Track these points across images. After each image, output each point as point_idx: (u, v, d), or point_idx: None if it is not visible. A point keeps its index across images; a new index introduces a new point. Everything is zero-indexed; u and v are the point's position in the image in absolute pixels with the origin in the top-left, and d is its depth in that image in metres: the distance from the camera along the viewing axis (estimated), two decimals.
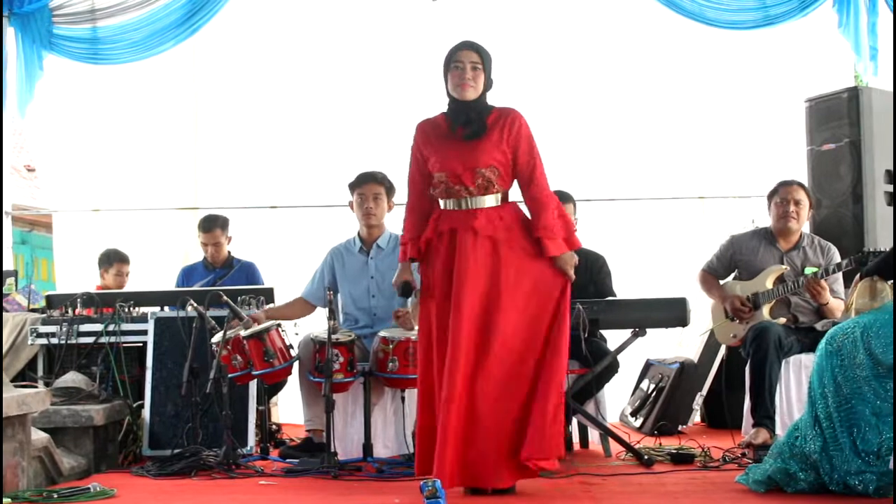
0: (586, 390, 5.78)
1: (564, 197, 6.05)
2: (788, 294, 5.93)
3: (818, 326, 5.83)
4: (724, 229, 7.25)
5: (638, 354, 6.93)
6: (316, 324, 5.92)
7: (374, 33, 8.21)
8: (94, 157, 8.40)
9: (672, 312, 5.65)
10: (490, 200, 4.69)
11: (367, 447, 5.48)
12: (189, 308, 5.85)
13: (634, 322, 5.66)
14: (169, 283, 7.58)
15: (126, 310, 6.31)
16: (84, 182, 8.43)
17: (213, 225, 7.38)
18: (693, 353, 7.16)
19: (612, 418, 6.55)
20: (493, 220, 4.66)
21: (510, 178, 4.74)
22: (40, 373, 6.35)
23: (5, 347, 6.48)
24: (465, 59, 4.69)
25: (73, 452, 5.48)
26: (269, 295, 6.51)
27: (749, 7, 7.82)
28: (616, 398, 6.90)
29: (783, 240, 6.11)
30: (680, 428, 6.83)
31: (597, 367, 5.65)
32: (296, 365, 5.69)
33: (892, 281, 4.68)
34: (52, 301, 6.69)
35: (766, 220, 6.32)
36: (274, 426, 6.63)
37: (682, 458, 5.44)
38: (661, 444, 5.98)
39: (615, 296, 6.15)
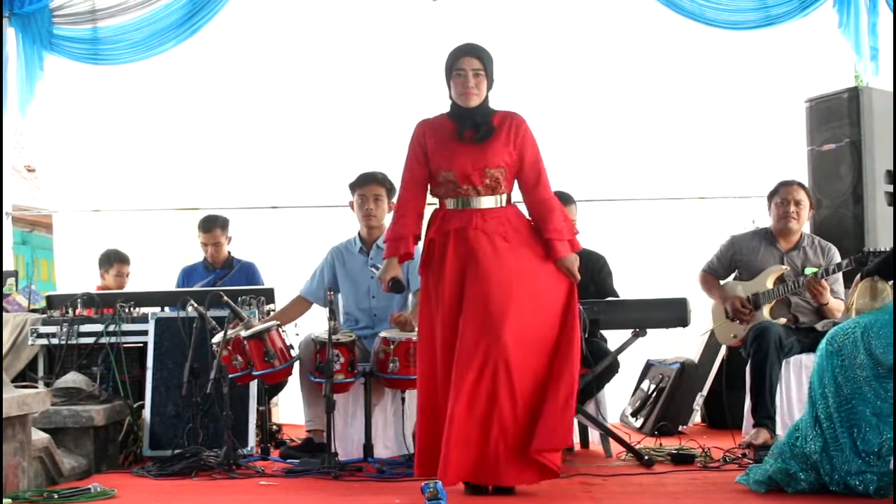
0: (587, 390, 5.77)
1: (566, 198, 6.06)
2: (789, 294, 5.94)
3: (818, 327, 5.84)
4: (725, 229, 7.25)
5: (638, 355, 6.93)
6: (316, 324, 5.92)
7: (374, 33, 8.21)
8: (95, 158, 8.40)
9: (672, 313, 5.66)
10: (497, 201, 4.73)
11: (368, 448, 5.48)
12: (189, 308, 5.85)
13: (635, 322, 5.66)
14: (169, 284, 7.58)
15: (126, 310, 6.31)
16: (84, 182, 8.43)
17: (212, 225, 7.39)
18: (693, 353, 7.16)
19: (612, 419, 6.55)
20: (501, 220, 4.70)
21: (513, 180, 4.77)
22: (41, 373, 6.35)
23: (6, 348, 6.49)
24: (467, 67, 4.70)
25: (74, 453, 5.48)
26: (269, 295, 6.50)
27: (749, 7, 7.82)
28: (616, 398, 6.90)
29: (783, 240, 6.11)
30: (680, 428, 6.83)
31: (597, 367, 5.65)
32: (296, 365, 5.69)
33: (892, 281, 4.68)
34: (52, 301, 6.69)
35: (766, 220, 6.32)
36: (274, 426, 6.63)
37: (682, 459, 5.44)
38: (661, 444, 5.99)
39: (617, 295, 6.14)
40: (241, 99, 8.39)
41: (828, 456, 4.29)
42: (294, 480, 5.15)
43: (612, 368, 5.90)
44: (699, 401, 6.84)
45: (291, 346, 5.67)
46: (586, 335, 5.37)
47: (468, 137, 4.71)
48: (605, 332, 5.99)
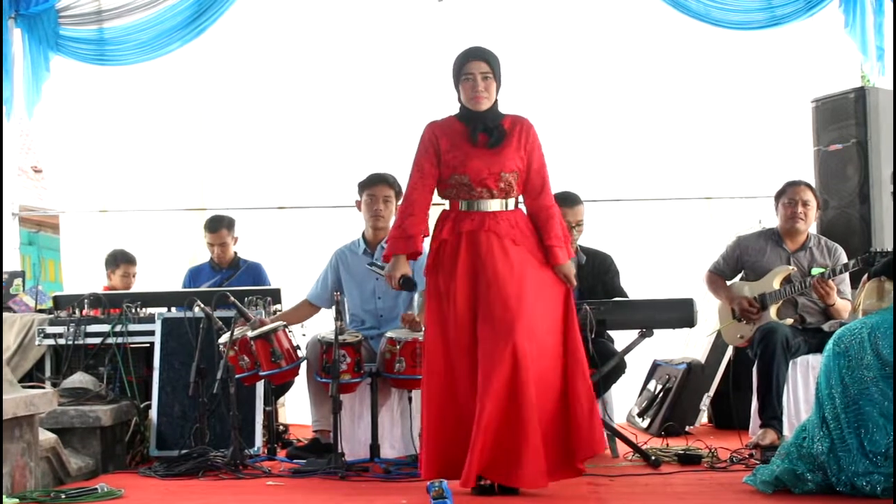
0: (594, 391, 5.77)
1: (574, 198, 6.07)
2: (795, 295, 5.93)
3: (825, 327, 5.83)
4: (731, 230, 7.26)
5: (645, 355, 6.93)
6: (323, 325, 5.92)
7: (380, 34, 8.20)
8: (101, 158, 8.41)
9: (679, 313, 5.66)
10: (508, 204, 4.77)
11: (374, 448, 5.48)
12: (196, 309, 5.86)
13: (641, 323, 5.67)
14: (176, 284, 7.58)
15: (133, 310, 6.33)
16: (91, 183, 8.44)
17: (218, 225, 7.39)
18: (700, 353, 7.15)
19: (619, 419, 6.54)
20: (511, 223, 4.74)
21: (523, 184, 4.80)
22: (48, 373, 6.36)
23: (13, 348, 6.50)
24: (475, 70, 4.72)
25: (81, 453, 5.49)
26: (275, 296, 6.50)
27: (755, 7, 7.81)
28: (623, 399, 6.89)
29: (790, 240, 6.10)
30: (687, 429, 6.82)
31: (604, 367, 5.64)
32: (303, 366, 5.70)
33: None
34: (59, 302, 6.70)
35: (772, 220, 6.31)
36: (281, 427, 6.62)
37: (689, 459, 5.44)
38: (668, 444, 5.99)
39: (625, 294, 6.13)
40: (247, 99, 8.38)
41: (835, 457, 4.29)
42: (301, 481, 5.15)
43: (619, 369, 5.89)
44: (706, 401, 6.84)
45: (298, 347, 5.67)
46: (593, 335, 5.38)
47: (481, 142, 4.73)
48: (611, 333, 5.99)
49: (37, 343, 6.39)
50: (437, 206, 4.90)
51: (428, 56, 7.76)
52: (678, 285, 6.89)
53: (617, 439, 5.78)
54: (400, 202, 5.65)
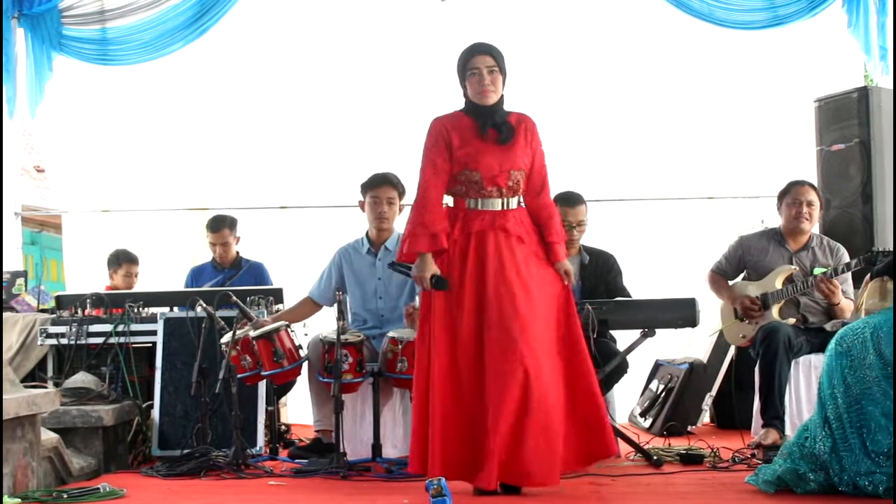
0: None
1: (576, 198, 6.07)
2: (798, 294, 5.92)
3: (828, 327, 5.83)
4: (733, 230, 7.25)
5: (647, 355, 6.93)
6: (325, 324, 5.92)
7: (382, 33, 8.21)
8: (104, 158, 8.42)
9: (681, 313, 5.65)
10: (515, 203, 4.78)
11: (376, 447, 5.48)
12: (198, 308, 5.86)
13: (643, 322, 5.66)
14: (178, 284, 7.59)
15: (135, 310, 6.32)
16: (93, 183, 8.45)
17: (220, 225, 7.40)
18: (702, 353, 7.15)
19: (621, 419, 6.54)
20: (518, 221, 4.75)
21: (528, 182, 4.81)
22: (50, 373, 6.36)
23: (15, 348, 6.52)
24: (481, 65, 4.72)
25: (83, 453, 5.49)
26: (278, 295, 6.50)
27: (758, 7, 7.82)
28: (625, 399, 6.89)
29: (792, 240, 6.10)
30: (689, 428, 6.82)
31: (606, 367, 5.63)
32: (305, 365, 5.70)
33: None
34: (61, 301, 6.70)
35: (775, 220, 6.30)
36: (283, 426, 6.63)
37: (691, 459, 5.44)
38: (670, 444, 5.99)
39: (628, 293, 6.12)
40: (249, 99, 8.39)
41: (837, 456, 4.28)
42: (303, 480, 5.15)
43: (621, 369, 5.88)
44: (708, 401, 6.83)
45: (300, 346, 5.67)
46: (595, 335, 5.37)
47: (491, 137, 4.73)
48: (613, 332, 5.98)
49: (39, 343, 6.39)
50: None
51: (430, 55, 7.76)
52: (680, 285, 6.90)
53: (619, 439, 5.77)
54: (407, 200, 5.68)
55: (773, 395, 5.61)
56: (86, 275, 8.23)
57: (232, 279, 7.26)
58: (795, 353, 5.75)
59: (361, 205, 6.03)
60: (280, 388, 6.22)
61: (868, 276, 4.88)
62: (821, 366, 4.57)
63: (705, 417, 7.10)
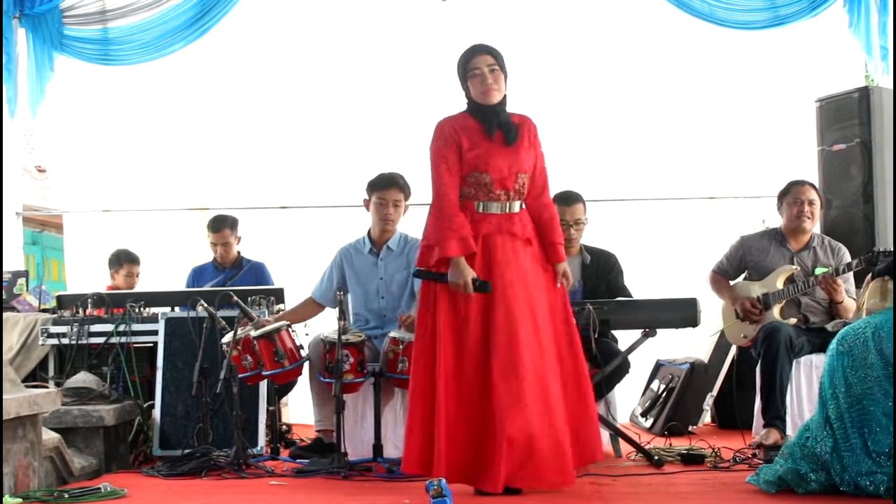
0: (596, 391, 5.74)
1: (575, 197, 6.07)
2: (799, 294, 5.92)
3: (829, 327, 5.83)
4: (735, 230, 7.25)
5: (648, 355, 6.93)
6: (326, 324, 5.92)
7: (383, 34, 8.21)
8: (105, 158, 8.43)
9: (682, 313, 5.65)
10: (519, 205, 4.79)
11: (378, 447, 5.48)
12: (199, 308, 5.86)
13: (645, 322, 5.66)
14: (179, 284, 7.59)
15: (136, 310, 6.32)
16: (95, 183, 8.46)
17: (221, 225, 7.40)
18: (703, 353, 7.14)
19: (622, 419, 6.53)
20: (522, 224, 4.77)
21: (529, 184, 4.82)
22: (51, 373, 6.36)
23: (16, 348, 6.51)
24: (482, 64, 4.73)
25: (84, 452, 5.50)
26: (279, 295, 6.50)
27: (759, 7, 7.82)
28: (626, 399, 6.88)
29: (794, 240, 6.10)
30: (690, 428, 6.82)
31: (607, 367, 5.64)
32: (306, 365, 5.70)
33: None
34: (62, 301, 6.70)
35: (776, 220, 6.30)
36: (284, 426, 6.63)
37: (692, 459, 5.44)
38: (671, 444, 5.98)
39: (629, 293, 6.12)
40: (250, 99, 8.40)
41: (838, 456, 4.28)
42: (304, 480, 5.15)
43: (622, 369, 5.88)
44: (709, 401, 6.82)
45: (301, 347, 5.67)
46: (596, 335, 5.38)
47: (498, 138, 4.73)
48: (615, 332, 5.98)
49: (40, 343, 6.40)
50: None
51: (431, 56, 7.77)
52: (681, 285, 6.89)
53: (620, 439, 5.77)
54: (411, 201, 5.67)
55: (775, 395, 5.61)
56: (87, 275, 8.23)
57: (233, 279, 7.26)
58: (797, 353, 5.75)
59: (366, 203, 6.02)
60: (281, 388, 6.23)
61: (869, 276, 4.88)
62: (822, 366, 4.56)
63: (706, 417, 7.10)
